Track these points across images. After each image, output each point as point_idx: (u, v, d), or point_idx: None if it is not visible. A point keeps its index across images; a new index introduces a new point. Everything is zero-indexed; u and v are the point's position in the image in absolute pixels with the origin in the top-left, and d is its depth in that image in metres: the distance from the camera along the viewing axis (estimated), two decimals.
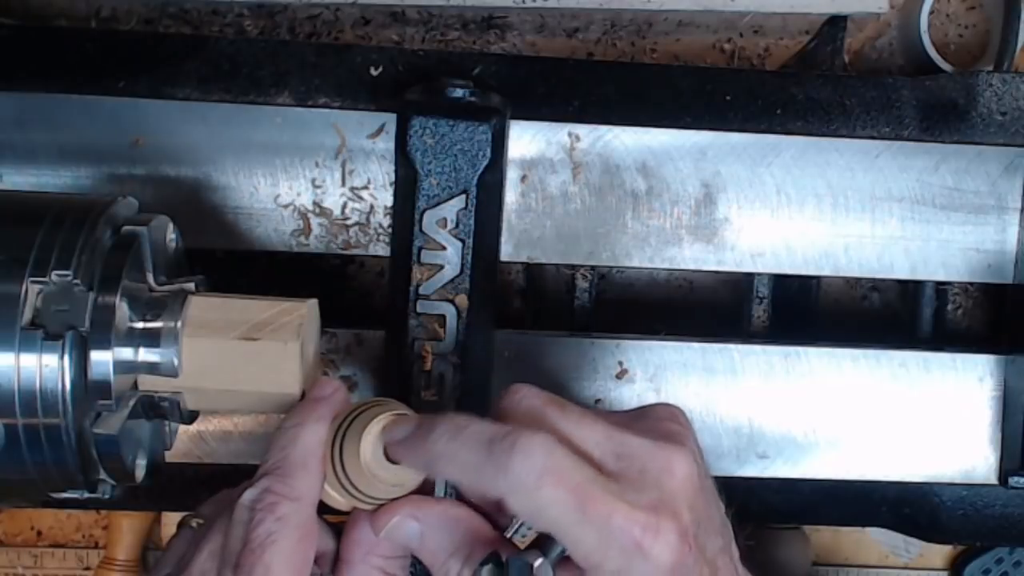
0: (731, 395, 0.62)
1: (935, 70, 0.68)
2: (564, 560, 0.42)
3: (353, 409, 0.45)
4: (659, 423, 0.45)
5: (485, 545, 0.44)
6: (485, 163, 0.56)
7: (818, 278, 0.67)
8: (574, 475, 0.41)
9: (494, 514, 0.46)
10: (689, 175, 0.62)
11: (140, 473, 0.47)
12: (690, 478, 0.43)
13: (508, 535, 0.43)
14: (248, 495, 0.43)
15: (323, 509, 0.45)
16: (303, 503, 0.43)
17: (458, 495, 0.46)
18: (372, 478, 0.43)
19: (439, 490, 0.46)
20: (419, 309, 0.56)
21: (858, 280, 0.71)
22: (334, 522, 0.47)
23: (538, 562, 0.41)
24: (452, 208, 0.56)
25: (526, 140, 0.61)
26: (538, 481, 0.40)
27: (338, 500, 0.45)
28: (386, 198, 0.60)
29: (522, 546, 0.43)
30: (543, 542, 0.42)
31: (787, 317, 0.66)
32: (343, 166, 0.60)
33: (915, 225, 0.63)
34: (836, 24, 0.66)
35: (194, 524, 0.48)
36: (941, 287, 0.67)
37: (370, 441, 0.43)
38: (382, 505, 0.45)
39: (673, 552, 0.41)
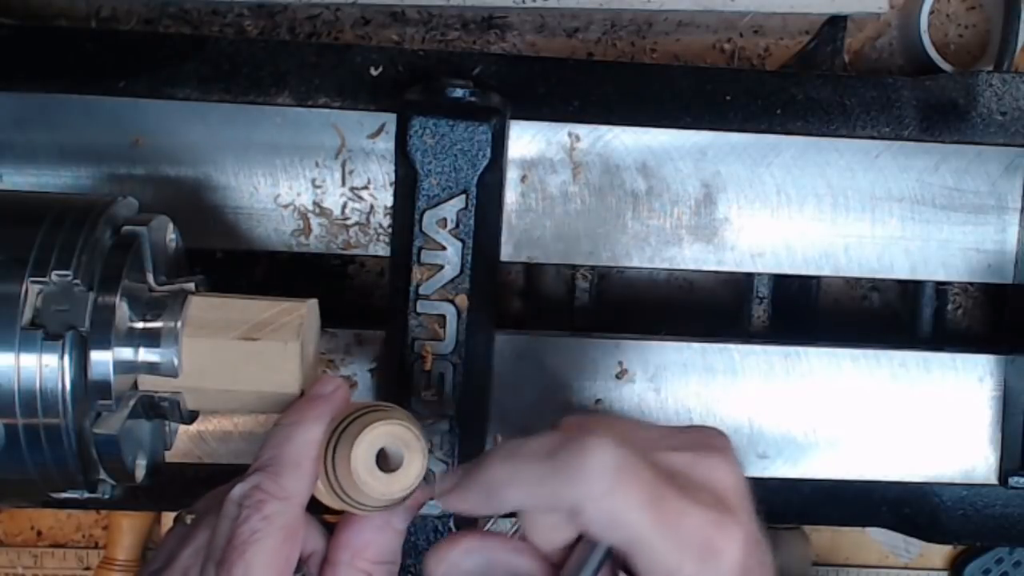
0: (731, 395, 0.62)
1: (935, 70, 0.68)
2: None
3: (353, 411, 0.45)
4: (698, 435, 0.44)
5: None
6: (485, 163, 0.56)
7: (818, 278, 0.67)
8: (646, 472, 0.40)
9: (556, 555, 0.44)
10: (689, 175, 0.62)
11: (140, 473, 0.47)
12: (739, 483, 0.42)
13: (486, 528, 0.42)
14: (237, 490, 0.43)
15: (319, 507, 0.45)
16: (291, 503, 0.42)
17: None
18: (362, 486, 0.43)
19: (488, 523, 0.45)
20: (419, 309, 0.56)
21: (858, 280, 0.71)
22: (330, 521, 0.47)
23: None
24: (452, 208, 0.56)
25: (526, 140, 0.61)
26: (613, 481, 0.39)
27: (330, 501, 0.45)
28: (386, 198, 0.60)
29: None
30: (578, 554, 0.42)
31: (787, 317, 0.66)
32: (343, 166, 0.60)
33: (915, 225, 0.63)
34: (836, 24, 0.66)
35: (187, 520, 0.47)
36: (941, 287, 0.67)
37: (361, 450, 0.43)
38: (377, 509, 0.44)
39: (741, 549, 0.40)
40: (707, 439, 0.44)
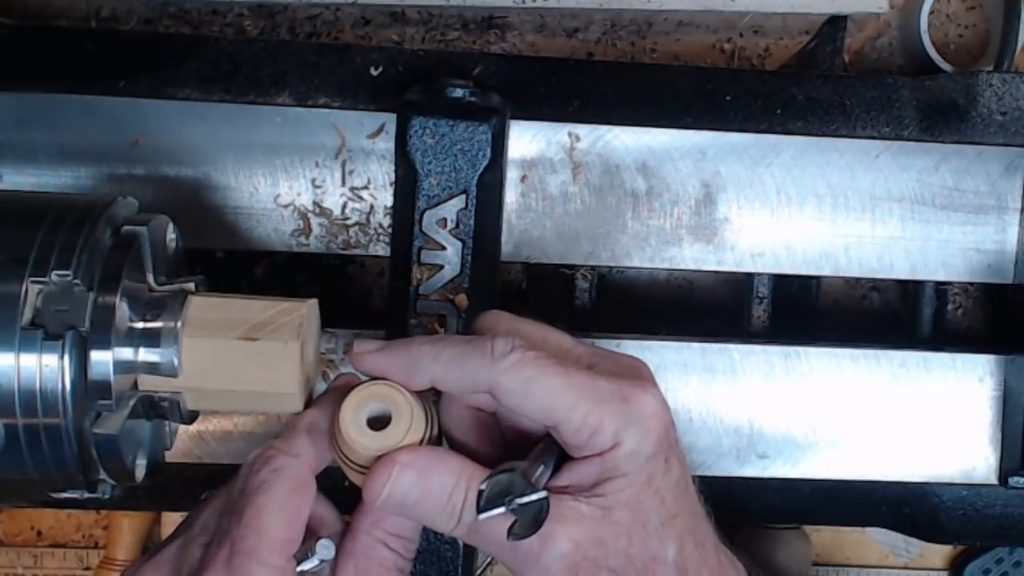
0: (731, 395, 0.62)
1: (935, 70, 0.68)
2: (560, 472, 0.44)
3: (355, 385, 0.46)
4: (623, 358, 0.47)
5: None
6: (485, 163, 0.56)
7: (818, 278, 0.67)
8: (555, 350, 0.45)
9: (479, 451, 0.47)
10: (689, 175, 0.62)
11: (140, 473, 0.47)
12: (654, 380, 0.46)
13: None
14: (253, 453, 0.45)
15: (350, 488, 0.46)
16: (300, 460, 0.44)
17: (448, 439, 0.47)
18: (353, 444, 0.43)
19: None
20: (419, 309, 0.56)
21: (858, 280, 0.71)
22: None
23: (539, 471, 0.43)
24: (452, 208, 0.56)
25: (526, 140, 0.61)
26: (522, 356, 0.43)
27: (347, 472, 0.45)
28: (386, 198, 0.60)
29: None
30: (543, 451, 0.44)
31: (787, 317, 0.66)
32: (343, 166, 0.60)
33: (915, 225, 0.63)
34: (836, 24, 0.66)
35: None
36: (941, 287, 0.67)
37: (349, 412, 0.44)
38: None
39: (660, 408, 0.44)
40: (632, 358, 0.47)
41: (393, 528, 0.46)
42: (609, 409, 0.43)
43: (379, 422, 0.44)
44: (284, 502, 0.43)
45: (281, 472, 0.44)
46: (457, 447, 0.47)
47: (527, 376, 0.43)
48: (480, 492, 0.43)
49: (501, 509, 0.42)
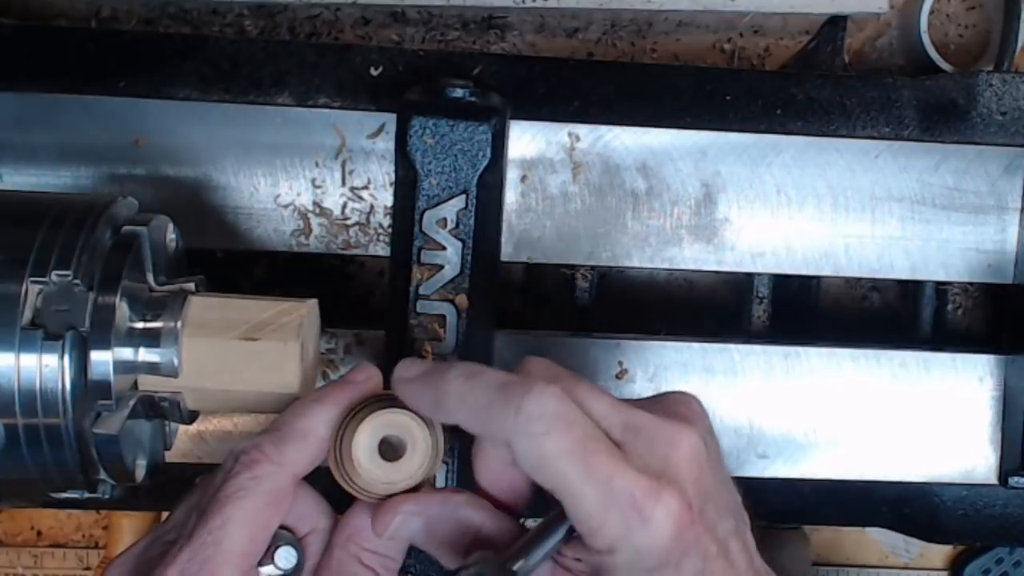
0: (731, 395, 0.62)
1: (935, 70, 0.68)
2: (570, 542, 0.42)
3: (370, 398, 0.45)
4: (671, 405, 0.44)
5: (487, 533, 0.44)
6: (485, 163, 0.56)
7: (818, 278, 0.67)
8: (582, 428, 0.41)
9: (505, 498, 0.45)
10: (689, 175, 0.62)
11: (140, 473, 0.47)
12: (696, 455, 0.42)
13: None
14: (240, 446, 0.44)
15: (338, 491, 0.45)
16: (283, 470, 0.43)
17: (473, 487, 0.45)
18: (362, 472, 0.43)
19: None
20: (419, 309, 0.56)
21: (858, 280, 0.71)
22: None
23: (517, 565, 0.41)
24: (452, 208, 0.56)
25: (526, 140, 0.61)
26: (547, 426, 0.40)
27: (341, 483, 0.45)
28: (386, 198, 0.60)
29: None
30: (543, 530, 0.42)
31: (787, 317, 0.66)
32: (343, 166, 0.60)
33: (915, 225, 0.63)
34: (836, 24, 0.66)
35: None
36: (941, 287, 0.67)
37: (363, 436, 0.43)
38: (380, 497, 0.45)
39: (674, 520, 0.40)
40: (678, 408, 0.44)
41: (369, 544, 0.45)
42: (614, 514, 0.40)
43: (391, 450, 0.44)
44: (254, 515, 0.42)
45: (260, 481, 0.42)
46: (483, 492, 0.46)
47: (544, 453, 0.40)
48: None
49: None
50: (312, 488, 0.46)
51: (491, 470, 0.45)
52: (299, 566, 0.44)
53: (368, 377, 0.46)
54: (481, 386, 0.42)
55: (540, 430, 0.40)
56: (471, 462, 0.45)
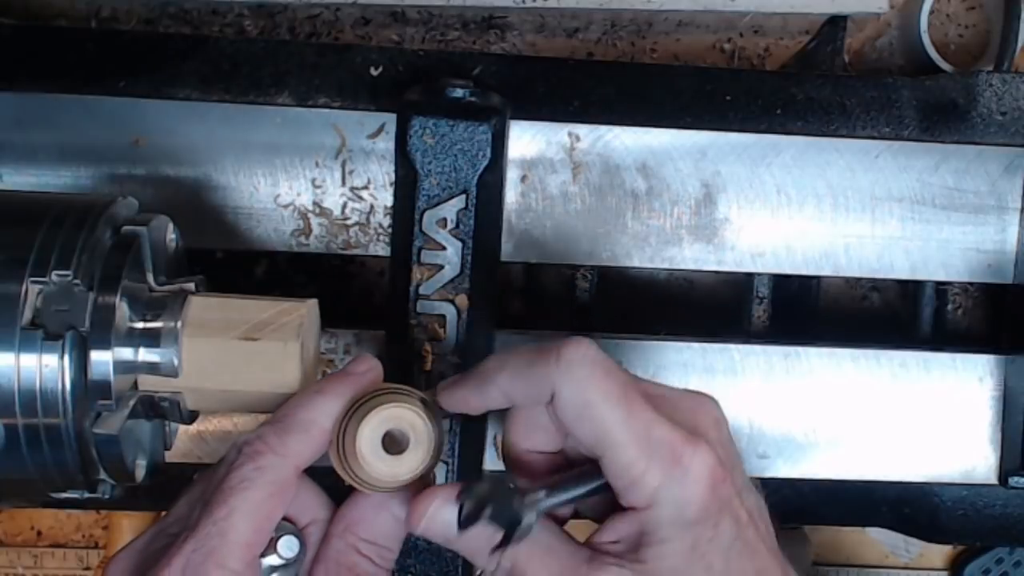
0: (731, 395, 0.62)
1: (935, 70, 0.68)
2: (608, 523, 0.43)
3: (375, 391, 0.45)
4: (692, 393, 0.46)
5: None
6: (485, 163, 0.56)
7: (818, 278, 0.67)
8: (621, 375, 0.42)
9: (536, 467, 0.46)
10: (689, 175, 0.62)
11: (140, 473, 0.47)
12: (718, 422, 0.44)
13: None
14: (243, 438, 0.44)
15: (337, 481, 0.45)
16: (287, 461, 0.43)
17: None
18: (365, 465, 0.43)
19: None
20: (419, 309, 0.56)
21: (858, 280, 0.71)
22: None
23: (532, 498, 0.42)
24: (452, 208, 0.56)
25: (526, 140, 0.61)
26: (589, 370, 0.41)
27: (342, 475, 0.45)
28: (386, 198, 0.60)
29: None
30: (570, 478, 0.43)
31: (787, 317, 0.66)
32: (343, 166, 0.60)
33: (915, 225, 0.63)
34: (836, 24, 0.66)
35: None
36: (941, 287, 0.67)
37: (367, 429, 0.43)
38: (382, 490, 0.45)
39: (709, 472, 0.41)
40: (699, 396, 0.46)
41: (366, 534, 0.45)
42: (655, 462, 0.41)
43: (394, 444, 0.44)
44: (258, 506, 0.42)
45: (264, 472, 0.42)
46: (512, 464, 0.46)
47: (588, 398, 0.41)
48: (460, 507, 0.42)
49: (481, 523, 0.42)
50: (312, 480, 0.46)
51: (524, 438, 0.46)
52: (300, 556, 0.45)
53: (369, 368, 0.46)
54: (519, 352, 0.44)
55: (584, 374, 0.41)
56: (503, 435, 0.46)
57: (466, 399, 0.45)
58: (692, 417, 0.43)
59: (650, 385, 0.45)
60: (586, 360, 0.42)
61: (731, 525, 0.42)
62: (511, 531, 0.41)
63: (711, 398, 0.45)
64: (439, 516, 0.43)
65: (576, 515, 0.47)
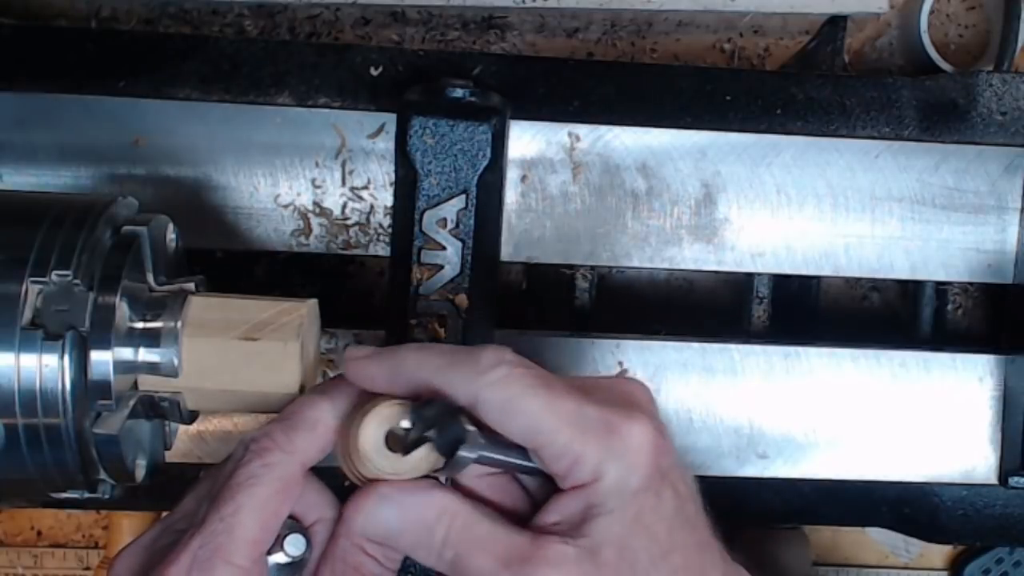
0: (731, 395, 0.62)
1: (935, 70, 0.68)
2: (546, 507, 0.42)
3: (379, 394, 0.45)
4: (618, 380, 0.46)
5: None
6: (485, 163, 0.56)
7: (818, 278, 0.67)
8: (541, 370, 0.42)
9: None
10: (689, 175, 0.62)
11: (140, 473, 0.47)
12: (651, 401, 0.44)
13: None
14: (250, 435, 0.44)
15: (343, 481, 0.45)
16: (294, 458, 0.43)
17: (452, 483, 0.45)
18: (368, 463, 0.43)
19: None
20: (419, 309, 0.56)
21: (858, 280, 0.71)
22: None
23: (474, 431, 0.41)
24: (452, 208, 0.56)
25: (526, 140, 0.61)
26: (508, 370, 0.41)
27: (348, 475, 0.45)
28: (386, 198, 0.60)
29: None
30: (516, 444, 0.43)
31: (787, 317, 0.66)
32: (343, 166, 0.60)
33: (915, 225, 0.63)
34: (836, 24, 0.66)
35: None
36: (941, 287, 0.67)
37: (371, 428, 0.43)
38: None
39: (651, 437, 0.42)
40: (629, 380, 0.46)
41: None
42: (592, 439, 0.41)
43: (397, 441, 0.44)
44: (266, 503, 0.42)
45: (271, 469, 0.42)
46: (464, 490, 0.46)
47: (511, 394, 0.41)
48: (406, 432, 0.42)
49: (427, 446, 0.42)
50: (318, 478, 0.46)
51: (481, 485, 0.45)
52: (307, 554, 0.45)
53: (364, 355, 0.45)
54: (437, 351, 0.43)
55: (502, 373, 0.41)
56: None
57: (373, 378, 0.44)
58: (624, 398, 0.44)
59: (575, 378, 0.45)
60: (503, 362, 0.42)
61: (672, 496, 0.42)
62: (454, 450, 0.41)
63: (641, 383, 0.46)
64: (378, 514, 0.43)
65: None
